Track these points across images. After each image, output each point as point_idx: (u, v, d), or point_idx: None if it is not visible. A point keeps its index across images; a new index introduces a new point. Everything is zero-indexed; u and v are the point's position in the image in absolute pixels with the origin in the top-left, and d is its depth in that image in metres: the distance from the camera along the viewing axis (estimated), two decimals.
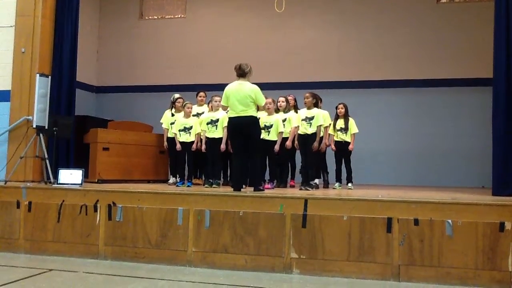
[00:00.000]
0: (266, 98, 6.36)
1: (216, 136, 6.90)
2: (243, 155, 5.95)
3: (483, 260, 4.52)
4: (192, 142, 7.13)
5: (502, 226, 4.51)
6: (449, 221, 4.62)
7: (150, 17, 11.57)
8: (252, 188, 5.89)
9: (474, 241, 4.55)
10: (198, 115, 7.44)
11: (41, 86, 6.88)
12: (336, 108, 7.34)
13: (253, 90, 5.86)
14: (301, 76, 10.09)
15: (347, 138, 7.20)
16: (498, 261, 4.50)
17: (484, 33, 7.97)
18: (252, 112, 5.86)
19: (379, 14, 10.16)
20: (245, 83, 5.91)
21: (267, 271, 4.96)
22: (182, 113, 7.40)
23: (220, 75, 10.05)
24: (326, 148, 7.26)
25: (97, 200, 5.59)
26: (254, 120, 5.92)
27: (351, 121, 7.26)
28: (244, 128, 5.85)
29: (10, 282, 4.40)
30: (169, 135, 7.59)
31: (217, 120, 6.93)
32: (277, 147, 6.91)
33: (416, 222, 4.69)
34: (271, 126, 6.91)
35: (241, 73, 5.95)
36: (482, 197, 5.35)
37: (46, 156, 6.76)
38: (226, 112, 6.81)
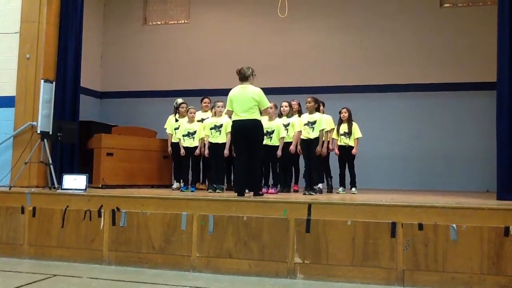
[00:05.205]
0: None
1: (220, 141, 6.90)
2: (245, 158, 5.94)
3: (488, 265, 4.50)
4: (196, 147, 7.15)
5: (507, 230, 4.49)
6: (454, 225, 4.60)
7: (153, 23, 11.61)
8: (252, 193, 5.87)
9: (479, 245, 4.52)
10: (202, 120, 7.46)
11: (46, 92, 6.92)
12: (340, 112, 7.35)
13: (256, 93, 5.85)
14: (304, 80, 10.10)
15: (350, 142, 7.19)
16: (503, 266, 4.47)
17: (488, 37, 7.95)
18: (255, 115, 5.84)
19: (382, 19, 10.15)
20: (248, 86, 5.90)
21: (271, 276, 4.94)
22: (186, 118, 7.43)
23: (224, 80, 10.04)
24: (328, 152, 7.25)
25: (101, 206, 5.60)
26: (257, 123, 5.89)
27: (355, 125, 7.26)
28: (247, 131, 5.83)
29: None
30: (173, 140, 7.61)
31: (221, 125, 6.93)
32: (279, 152, 6.92)
33: (420, 226, 4.67)
34: (272, 131, 6.93)
35: (242, 76, 5.94)
36: (486, 201, 5.33)
37: (51, 161, 6.78)
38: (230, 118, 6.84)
